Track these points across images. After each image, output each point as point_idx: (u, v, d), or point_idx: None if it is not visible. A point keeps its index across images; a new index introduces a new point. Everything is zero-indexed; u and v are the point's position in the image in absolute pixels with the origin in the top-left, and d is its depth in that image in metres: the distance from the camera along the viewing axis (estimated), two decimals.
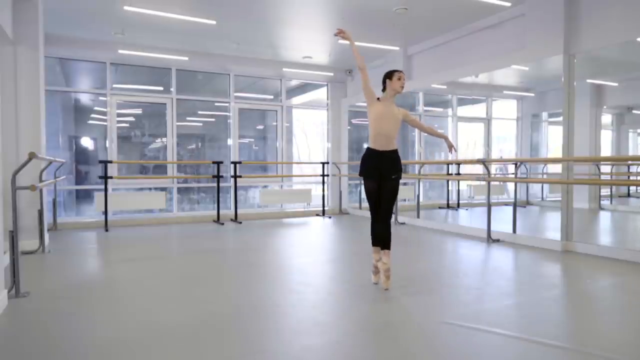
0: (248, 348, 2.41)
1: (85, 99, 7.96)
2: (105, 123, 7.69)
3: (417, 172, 7.47)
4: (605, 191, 7.28)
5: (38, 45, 5.05)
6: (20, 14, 4.87)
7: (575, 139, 5.16)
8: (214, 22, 6.14)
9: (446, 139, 3.93)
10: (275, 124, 9.24)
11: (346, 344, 2.49)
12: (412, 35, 7.07)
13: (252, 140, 9.62)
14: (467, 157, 8.73)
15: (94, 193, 7.38)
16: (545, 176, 8.20)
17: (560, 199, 5.20)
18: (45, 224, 5.30)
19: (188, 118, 8.57)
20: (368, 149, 3.66)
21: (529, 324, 2.77)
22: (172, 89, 8.09)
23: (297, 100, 9.69)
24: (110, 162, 7.19)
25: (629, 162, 7.00)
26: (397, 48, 7.66)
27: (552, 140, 7.93)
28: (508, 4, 5.62)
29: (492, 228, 5.67)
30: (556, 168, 6.37)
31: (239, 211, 8.10)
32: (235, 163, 8.03)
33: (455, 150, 3.88)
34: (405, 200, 8.51)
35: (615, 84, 6.84)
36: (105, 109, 7.65)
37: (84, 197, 7.78)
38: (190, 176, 8.71)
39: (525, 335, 2.52)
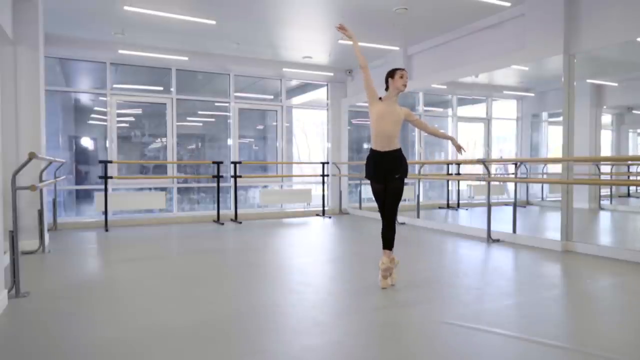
0: (248, 348, 2.41)
1: (85, 99, 7.96)
2: (105, 123, 7.69)
3: (417, 172, 7.47)
4: (605, 191, 7.28)
5: (38, 45, 5.05)
6: (20, 14, 4.87)
7: (575, 139, 5.16)
8: (214, 22, 6.14)
9: (453, 140, 3.91)
10: (275, 124, 9.24)
11: (346, 344, 2.49)
12: (412, 35, 7.07)
13: (252, 140, 9.62)
14: (467, 157, 8.74)
15: (94, 193, 7.38)
16: (545, 176, 8.20)
17: (560, 199, 5.19)
18: (45, 224, 5.30)
19: (188, 118, 8.57)
20: (370, 149, 3.64)
21: (529, 324, 2.77)
22: (172, 89, 8.09)
23: (297, 100, 9.69)
24: (110, 162, 7.19)
25: (629, 162, 7.00)
26: (397, 48, 7.66)
27: (552, 140, 7.93)
28: (508, 4, 5.62)
29: (492, 228, 5.67)
30: (556, 168, 6.37)
31: (239, 211, 8.10)
32: (235, 163, 8.03)
33: (465, 151, 3.85)
34: (405, 200, 8.50)
35: (615, 84, 6.84)
36: (105, 109, 7.65)
37: (84, 197, 7.78)
38: (190, 176, 8.71)
39: (525, 335, 2.52)
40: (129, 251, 5.29)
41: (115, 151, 7.66)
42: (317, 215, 8.76)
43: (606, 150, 6.98)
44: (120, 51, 7.15)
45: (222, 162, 8.05)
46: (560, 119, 5.17)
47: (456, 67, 6.80)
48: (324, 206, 8.73)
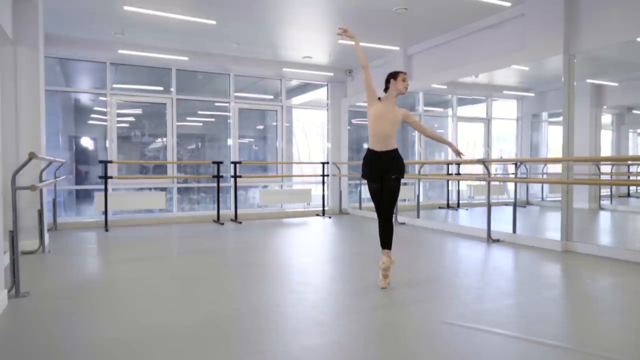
0: (248, 348, 2.41)
1: (85, 99, 7.96)
2: (105, 123, 7.69)
3: (417, 172, 7.47)
4: (605, 191, 7.27)
5: (38, 45, 5.05)
6: (20, 14, 4.87)
7: (575, 139, 5.16)
8: (214, 22, 6.14)
9: (451, 145, 3.90)
10: (275, 124, 9.24)
11: (346, 344, 2.49)
12: (412, 35, 7.07)
13: (252, 140, 9.62)
14: (467, 157, 8.74)
15: (94, 193, 7.38)
16: (545, 176, 8.20)
17: (560, 199, 5.19)
18: (45, 224, 5.30)
19: (188, 118, 8.57)
20: (368, 149, 3.66)
21: (529, 324, 2.77)
22: (172, 89, 8.09)
23: (297, 100, 9.69)
24: (110, 162, 7.19)
25: (629, 162, 7.00)
26: (397, 48, 7.66)
27: (552, 140, 7.93)
28: (508, 4, 5.62)
29: (492, 228, 5.67)
30: (556, 168, 6.37)
31: (239, 211, 8.10)
32: (235, 163, 8.03)
33: (464, 155, 3.85)
34: (405, 200, 8.51)
35: (615, 84, 6.84)
36: (105, 109, 7.65)
37: (84, 197, 7.78)
38: (190, 176, 8.71)
39: (525, 335, 2.52)
40: (129, 251, 5.29)
41: (115, 151, 7.66)
42: (317, 215, 8.76)
43: (606, 150, 6.98)
44: (120, 51, 7.15)
45: (222, 162, 8.05)
46: (560, 119, 5.17)
47: (456, 67, 6.80)
48: (324, 206, 8.73)
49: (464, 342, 2.47)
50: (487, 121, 8.71)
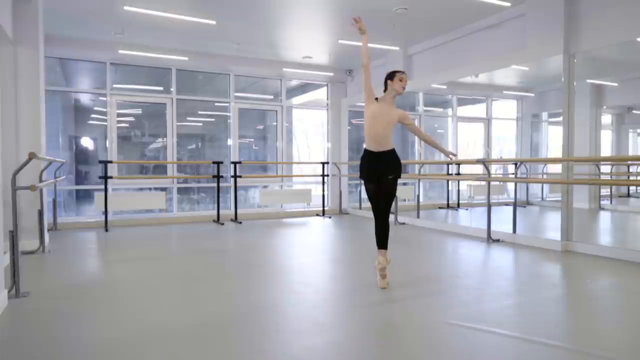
0: (248, 348, 2.41)
1: (85, 99, 7.96)
2: (105, 123, 7.69)
3: (417, 172, 7.47)
4: (605, 191, 7.26)
5: (38, 45, 5.05)
6: (20, 14, 4.87)
7: (575, 139, 5.16)
8: (214, 22, 6.14)
9: (443, 150, 3.87)
10: (275, 124, 9.24)
11: (346, 344, 2.49)
12: (412, 35, 7.06)
13: (252, 140, 9.62)
14: (467, 157, 8.73)
15: (94, 193, 7.38)
16: (545, 176, 8.19)
17: (560, 199, 5.19)
18: (45, 224, 5.30)
19: (188, 118, 8.57)
20: (364, 150, 3.66)
21: (529, 324, 2.77)
22: (172, 89, 8.08)
23: (297, 100, 9.69)
24: (110, 162, 7.19)
25: (629, 162, 6.99)
26: (397, 48, 7.65)
27: (552, 140, 7.92)
28: (508, 4, 5.62)
29: (492, 228, 5.67)
30: (556, 168, 6.36)
31: (239, 211, 8.10)
32: (235, 163, 8.03)
33: (455, 156, 3.85)
34: (405, 200, 8.50)
35: (615, 84, 6.83)
36: (105, 109, 7.65)
37: (84, 197, 7.78)
38: (190, 176, 8.71)
39: (525, 335, 2.52)
40: (129, 251, 5.29)
41: (115, 151, 7.66)
42: (317, 215, 8.76)
43: (606, 150, 6.97)
44: (120, 51, 7.14)
45: (222, 162, 8.05)
46: (560, 119, 5.17)
47: (456, 67, 6.80)
48: (324, 206, 8.73)
49: (464, 342, 2.47)
50: (487, 121, 8.71)
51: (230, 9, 5.79)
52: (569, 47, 5.10)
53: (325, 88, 9.61)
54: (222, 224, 7.57)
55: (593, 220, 6.82)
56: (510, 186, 7.66)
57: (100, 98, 7.69)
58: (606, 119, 7.02)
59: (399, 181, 3.66)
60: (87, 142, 8.09)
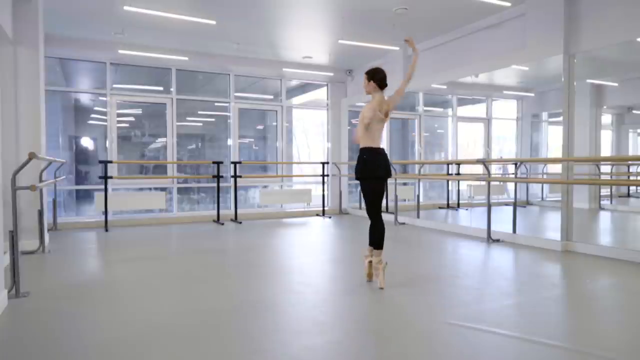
0: (248, 348, 2.41)
1: (85, 99, 7.96)
2: (105, 123, 7.69)
3: (417, 172, 7.47)
4: (605, 191, 7.26)
5: (38, 45, 5.05)
6: (20, 14, 4.87)
7: (575, 139, 5.16)
8: (214, 22, 6.14)
9: (414, 49, 3.78)
10: (275, 124, 9.24)
11: (346, 344, 2.49)
12: (412, 35, 7.04)
13: (252, 140, 9.62)
14: (467, 157, 8.73)
15: (94, 193, 7.38)
16: (545, 176, 8.19)
17: (560, 199, 5.19)
18: (45, 224, 5.30)
19: (188, 118, 8.57)
20: (375, 149, 3.67)
21: (529, 324, 2.77)
22: (172, 89, 8.08)
23: (297, 100, 9.69)
24: (110, 162, 7.19)
25: (629, 162, 6.99)
26: (397, 48, 7.65)
27: (552, 140, 7.92)
28: (508, 4, 5.62)
29: (492, 228, 5.67)
30: (556, 168, 6.37)
31: (239, 211, 8.10)
32: (235, 163, 8.03)
33: (408, 41, 3.81)
34: (405, 200, 8.50)
35: (615, 84, 6.83)
36: (105, 109, 7.65)
37: (84, 197, 7.78)
38: (190, 176, 8.71)
39: (525, 335, 2.52)
40: (129, 251, 5.29)
41: (115, 151, 7.66)
42: (317, 215, 8.76)
43: (606, 150, 6.97)
44: (120, 51, 7.14)
45: (222, 162, 8.05)
46: (560, 119, 5.17)
47: (456, 67, 6.80)
48: (324, 206, 8.73)
49: (464, 342, 2.47)
50: (487, 121, 8.71)
51: (230, 9, 5.79)
52: (569, 47, 5.10)
53: (325, 88, 9.61)
54: (222, 224, 7.57)
55: (593, 220, 6.82)
56: (510, 186, 7.66)
57: (100, 98, 7.69)
58: (606, 119, 7.02)
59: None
60: (87, 142, 8.09)
